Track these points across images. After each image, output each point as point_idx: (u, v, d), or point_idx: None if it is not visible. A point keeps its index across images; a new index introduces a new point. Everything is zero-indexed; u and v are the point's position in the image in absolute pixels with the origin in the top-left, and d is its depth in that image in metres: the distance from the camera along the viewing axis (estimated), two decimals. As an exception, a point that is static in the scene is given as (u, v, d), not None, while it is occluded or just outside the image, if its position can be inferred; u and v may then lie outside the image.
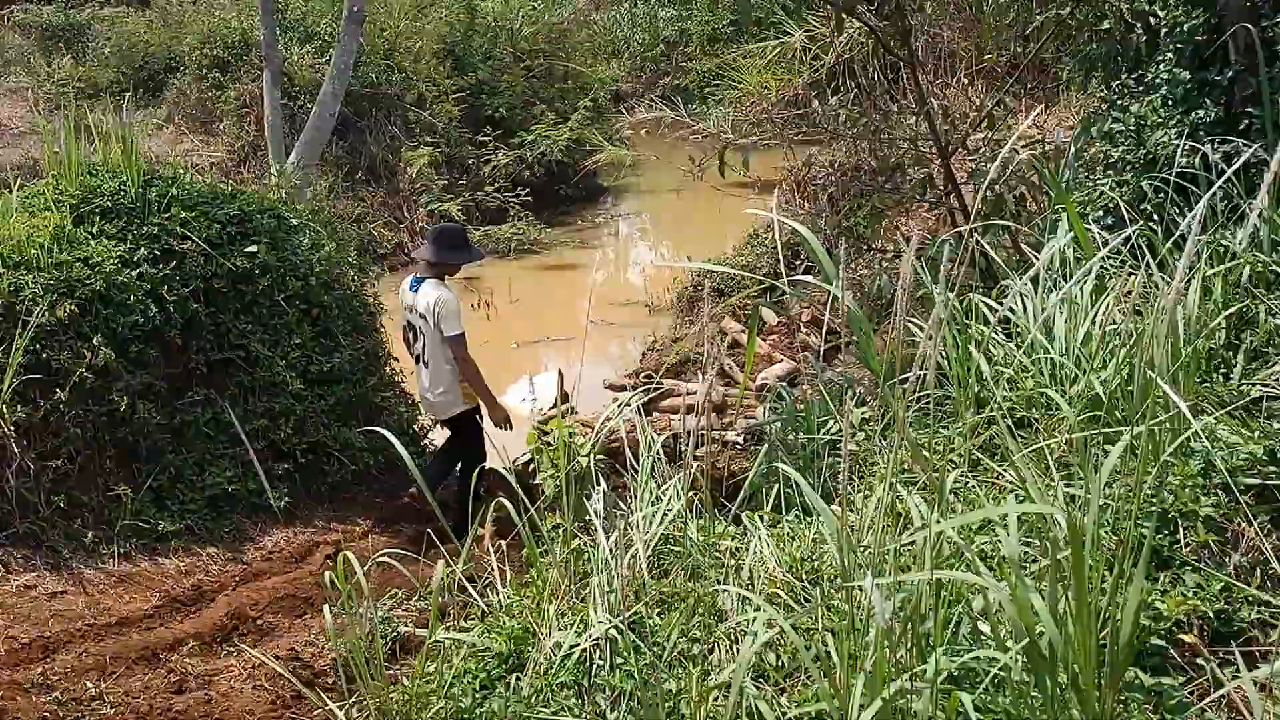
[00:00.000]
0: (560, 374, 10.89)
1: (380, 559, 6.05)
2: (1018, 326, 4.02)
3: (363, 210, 14.81)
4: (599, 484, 3.30)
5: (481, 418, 6.48)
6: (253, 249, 6.42)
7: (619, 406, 9.89)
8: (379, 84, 15.71)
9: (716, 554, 2.99)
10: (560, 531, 3.19)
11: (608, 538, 2.92)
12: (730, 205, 17.47)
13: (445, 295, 6.11)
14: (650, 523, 3.03)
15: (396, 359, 7.82)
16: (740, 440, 8.86)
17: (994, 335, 3.97)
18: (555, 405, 10.34)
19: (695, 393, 9.52)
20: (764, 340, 11.01)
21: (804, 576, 2.75)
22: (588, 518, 3.23)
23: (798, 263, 12.21)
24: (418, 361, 6.42)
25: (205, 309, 6.32)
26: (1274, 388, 3.14)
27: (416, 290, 6.24)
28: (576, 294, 15.14)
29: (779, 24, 16.70)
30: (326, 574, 5.74)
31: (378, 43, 15.98)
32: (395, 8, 16.98)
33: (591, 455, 3.40)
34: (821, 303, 11.32)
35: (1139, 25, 5.41)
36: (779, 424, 5.78)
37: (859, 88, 14.62)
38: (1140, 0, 5.35)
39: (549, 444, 3.47)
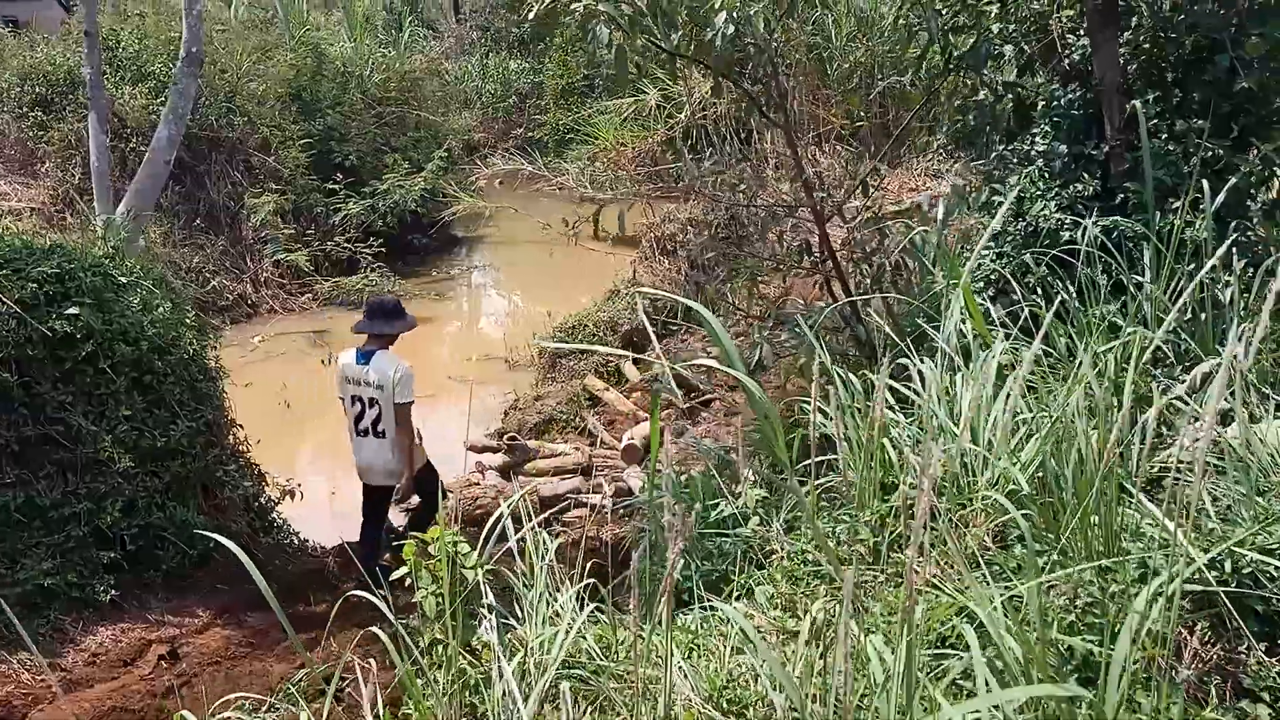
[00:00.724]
0: (419, 434, 10.41)
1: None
2: (917, 407, 3.87)
3: (201, 260, 13.97)
4: (487, 598, 2.93)
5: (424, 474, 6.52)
6: (74, 310, 5.76)
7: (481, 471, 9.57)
8: (220, 127, 14.93)
9: (624, 677, 2.66)
10: (443, 654, 2.80)
11: (502, 665, 2.56)
12: (588, 258, 17.40)
13: (405, 366, 6.11)
14: (548, 647, 2.69)
15: (241, 426, 7.22)
16: (609, 505, 8.55)
17: (896, 417, 3.81)
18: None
19: (563, 453, 9.19)
20: (627, 397, 10.79)
21: (727, 709, 2.45)
22: (474, 639, 2.85)
23: (659, 319, 12.10)
24: (366, 434, 6.20)
25: (17, 379, 5.63)
26: (1179, 469, 3.01)
27: (367, 363, 6.11)
28: (432, 349, 14.65)
29: (634, 82, 16.73)
30: (161, 679, 5.17)
31: (218, 84, 15.20)
32: (238, 49, 16.22)
33: (479, 569, 3.00)
34: (684, 361, 11.17)
35: (1009, 95, 5.47)
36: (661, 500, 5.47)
37: (713, 147, 14.71)
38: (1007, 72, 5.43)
39: (429, 555, 3.04)
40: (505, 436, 9.43)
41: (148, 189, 10.04)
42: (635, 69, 16.81)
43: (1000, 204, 4.67)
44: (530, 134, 21.32)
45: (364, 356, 6.13)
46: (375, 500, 6.55)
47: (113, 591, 5.62)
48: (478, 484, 9.04)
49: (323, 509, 8.26)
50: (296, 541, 7.49)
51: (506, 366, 12.56)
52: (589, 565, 3.44)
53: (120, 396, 5.95)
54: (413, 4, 27.04)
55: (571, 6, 5.02)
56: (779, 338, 6.44)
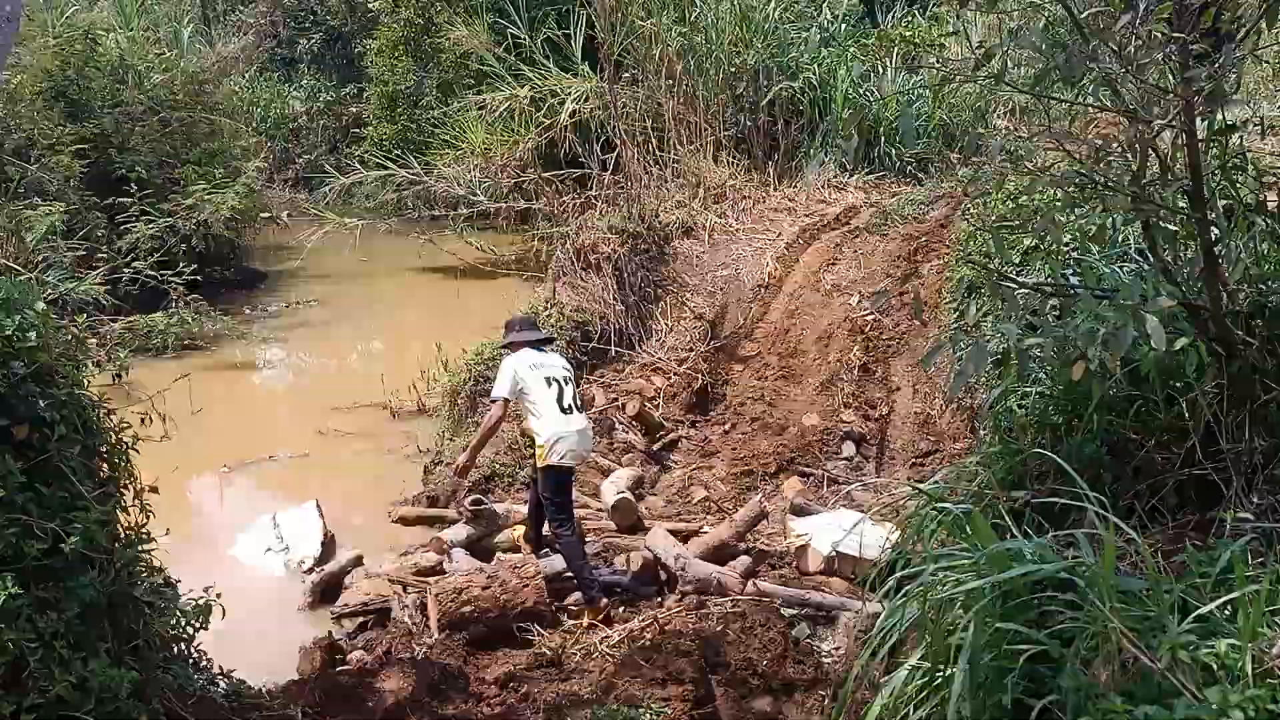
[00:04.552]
0: (319, 507, 7.74)
1: None
2: None
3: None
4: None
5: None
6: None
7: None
8: (-39, 126, 11.45)
9: None
10: None
11: None
12: (437, 288, 14.94)
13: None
14: None
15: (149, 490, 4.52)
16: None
17: None
18: (319, 555, 7.24)
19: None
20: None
21: None
22: None
23: (588, 344, 9.96)
24: (571, 411, 6.38)
25: None
26: None
27: (544, 351, 6.74)
28: (290, 399, 11.69)
29: (500, 77, 14.54)
30: None
31: (-43, 72, 11.69)
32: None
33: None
34: (644, 394, 9.11)
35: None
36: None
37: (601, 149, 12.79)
38: None
39: None
40: (468, 500, 6.98)
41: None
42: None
43: None
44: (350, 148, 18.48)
45: (539, 347, 6.68)
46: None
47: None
48: (442, 569, 6.56)
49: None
50: (228, 685, 4.84)
51: (389, 416, 9.97)
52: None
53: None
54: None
55: None
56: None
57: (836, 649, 5.61)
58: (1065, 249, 5.12)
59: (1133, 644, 2.61)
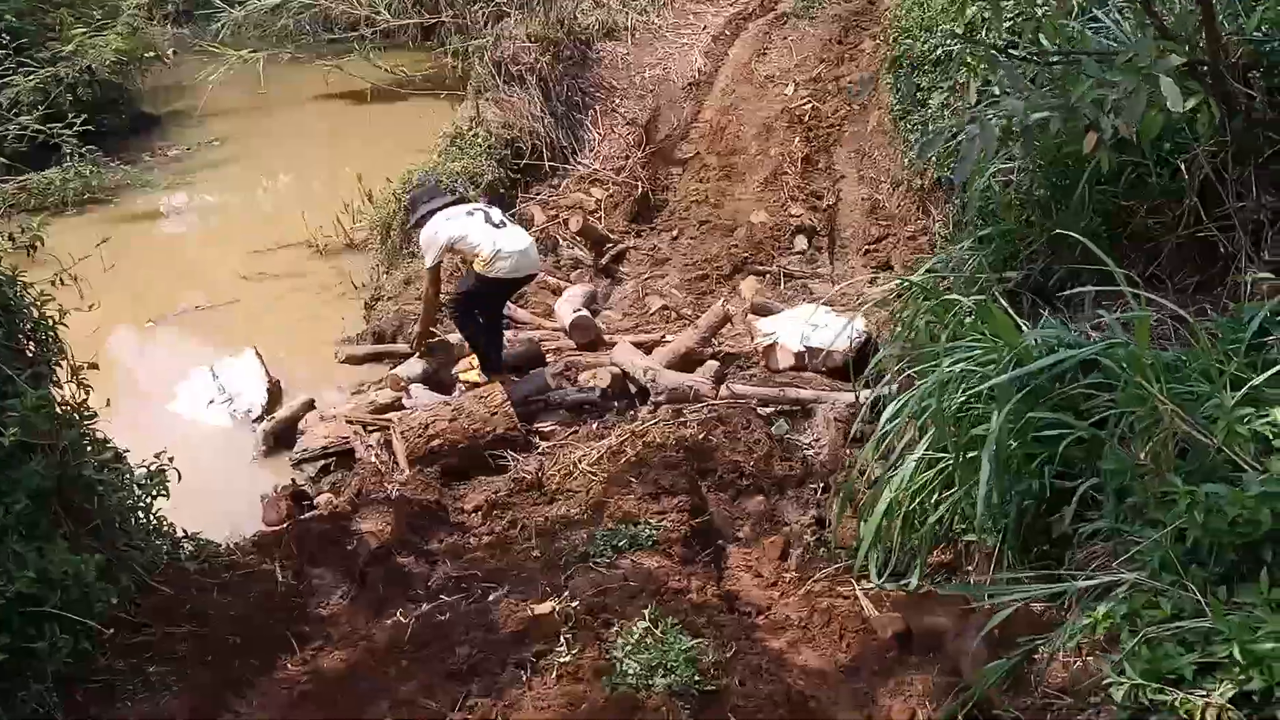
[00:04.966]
0: (258, 353, 7.35)
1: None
2: None
3: None
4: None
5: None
6: None
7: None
8: None
9: None
10: None
11: None
12: (346, 116, 14.01)
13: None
14: None
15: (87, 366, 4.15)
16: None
17: None
18: (265, 402, 6.91)
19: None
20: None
21: None
22: None
23: (520, 162, 9.45)
24: (504, 225, 6.28)
25: None
26: None
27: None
28: (191, 248, 11.03)
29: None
30: None
31: None
32: None
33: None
34: (585, 208, 8.74)
35: None
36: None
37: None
38: None
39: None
40: (414, 337, 6.66)
41: None
42: None
43: None
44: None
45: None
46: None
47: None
48: (401, 406, 6.31)
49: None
50: (195, 547, 4.59)
51: (316, 253, 9.46)
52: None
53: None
54: None
55: None
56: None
57: (816, 440, 5.54)
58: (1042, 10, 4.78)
59: (1185, 420, 2.46)
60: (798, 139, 9.23)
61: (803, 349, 6.15)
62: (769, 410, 5.72)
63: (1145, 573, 2.42)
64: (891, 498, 3.58)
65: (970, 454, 3.17)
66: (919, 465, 3.55)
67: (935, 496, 3.58)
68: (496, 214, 6.38)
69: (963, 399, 3.32)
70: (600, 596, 3.67)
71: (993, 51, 3.51)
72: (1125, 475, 2.64)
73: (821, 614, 3.55)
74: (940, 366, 3.21)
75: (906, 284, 4.10)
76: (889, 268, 7.65)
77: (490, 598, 3.88)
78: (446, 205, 6.38)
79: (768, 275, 7.65)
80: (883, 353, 4.10)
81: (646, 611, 3.42)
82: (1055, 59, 3.48)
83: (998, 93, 4.01)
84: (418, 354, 6.64)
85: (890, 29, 9.02)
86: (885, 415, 3.68)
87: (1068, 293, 3.86)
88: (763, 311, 6.98)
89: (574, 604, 3.56)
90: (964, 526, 3.28)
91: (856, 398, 5.69)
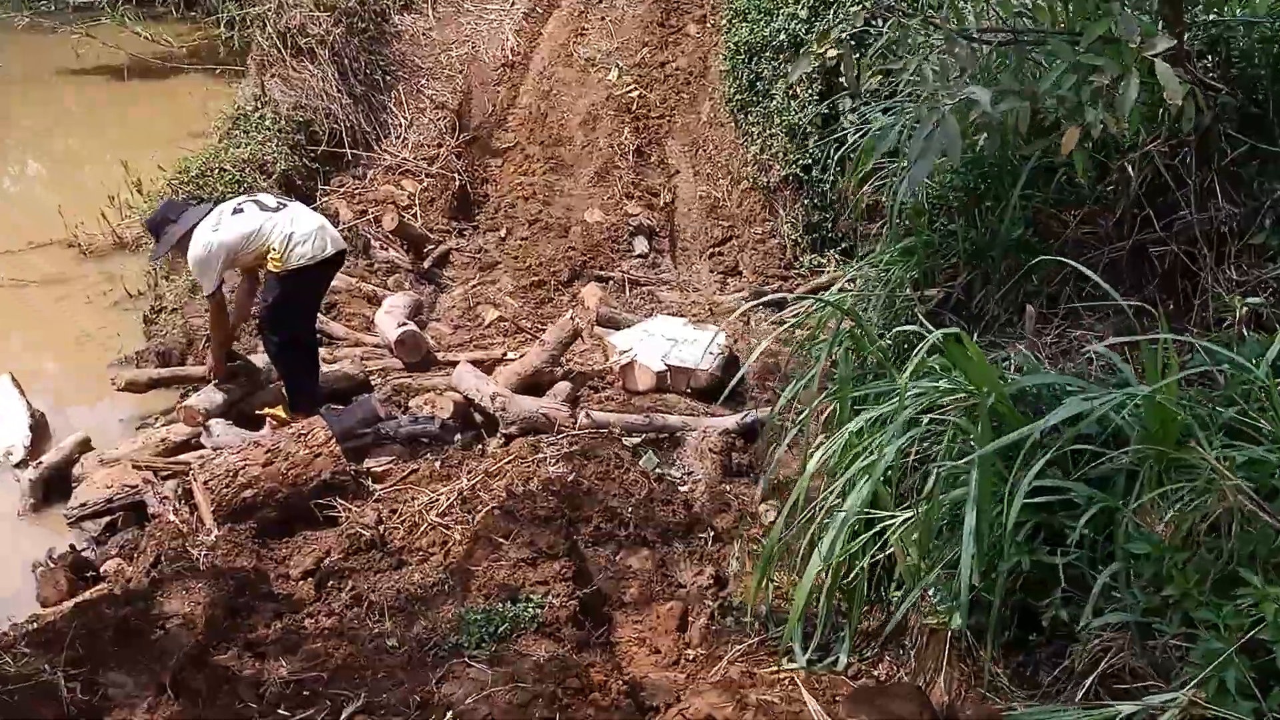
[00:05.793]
0: (14, 380, 6.13)
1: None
2: None
3: None
4: None
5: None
6: None
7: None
8: None
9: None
10: None
11: None
12: (102, 94, 12.32)
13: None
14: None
15: None
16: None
17: None
18: (29, 442, 5.76)
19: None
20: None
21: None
22: None
23: (317, 149, 8.46)
24: (280, 207, 5.30)
25: None
26: None
27: None
28: None
29: None
30: None
31: None
32: None
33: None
34: (398, 203, 7.91)
35: None
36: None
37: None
38: None
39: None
40: (151, 353, 5.72)
41: None
42: None
43: None
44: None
45: None
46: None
47: None
48: (198, 444, 5.37)
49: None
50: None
51: (79, 255, 8.18)
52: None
53: None
54: None
55: None
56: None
57: (689, 474, 5.03)
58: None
59: (1251, 499, 2.07)
60: (627, 129, 8.69)
61: (665, 368, 5.63)
62: (635, 440, 5.16)
63: (1206, 692, 2.01)
64: (822, 565, 3.10)
65: (929, 515, 2.71)
66: (849, 526, 3.07)
67: (867, 559, 3.13)
68: (268, 198, 5.48)
69: (915, 451, 2.88)
70: (486, 707, 3.02)
71: (952, 30, 3.03)
72: (1158, 561, 2.23)
73: (753, 713, 3.03)
74: (897, 410, 2.72)
75: (820, 304, 3.62)
76: (737, 273, 7.25)
77: (343, 714, 3.15)
78: (203, 217, 5.27)
79: (610, 281, 7.08)
80: (790, 387, 3.59)
81: (552, 732, 2.80)
82: (1027, 37, 3.03)
83: (917, 80, 3.55)
84: (214, 384, 5.67)
85: (723, 11, 8.59)
86: (810, 464, 3.18)
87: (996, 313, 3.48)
88: (610, 324, 6.41)
89: (457, 725, 2.89)
90: (928, 609, 2.83)
91: (738, 424, 5.24)
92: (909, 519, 2.81)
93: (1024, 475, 2.42)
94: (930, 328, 3.12)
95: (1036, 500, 2.51)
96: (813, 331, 3.76)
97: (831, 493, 3.13)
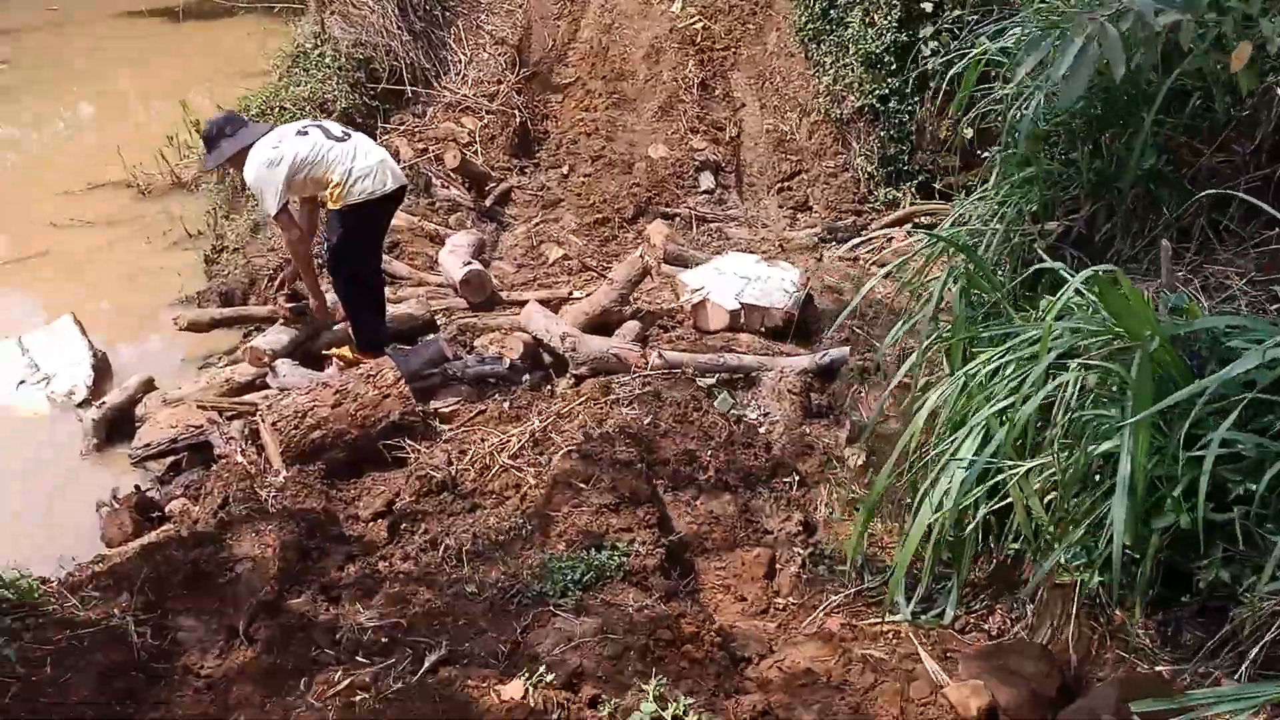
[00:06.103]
0: (76, 320, 6.06)
1: None
2: None
3: None
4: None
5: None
6: None
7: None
8: None
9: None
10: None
11: None
12: (159, 35, 12.23)
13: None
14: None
15: None
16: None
17: None
18: (91, 382, 5.69)
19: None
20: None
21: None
22: None
23: (377, 86, 8.26)
24: (346, 138, 5.04)
25: None
26: None
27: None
28: (8, 188, 9.32)
29: None
30: None
31: None
32: None
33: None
34: (458, 140, 7.70)
35: None
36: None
37: None
38: None
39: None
40: (280, 296, 5.58)
41: None
42: None
43: None
44: None
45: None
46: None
47: None
48: (264, 385, 5.26)
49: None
50: (11, 596, 3.54)
51: (139, 195, 8.10)
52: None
53: None
54: None
55: None
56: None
57: (766, 416, 4.82)
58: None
59: None
60: (691, 62, 8.38)
61: (738, 306, 5.40)
62: (709, 381, 4.95)
63: None
64: (934, 518, 2.88)
65: (1074, 467, 2.48)
66: (968, 477, 2.85)
67: (984, 510, 2.91)
68: (334, 125, 5.19)
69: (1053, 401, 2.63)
70: (576, 658, 2.87)
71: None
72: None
73: (859, 667, 2.84)
74: (1039, 354, 2.47)
75: (934, 240, 3.36)
76: (807, 208, 6.96)
77: (426, 662, 3.01)
78: (265, 134, 5.00)
79: (676, 218, 6.84)
80: (896, 326, 3.35)
81: (649, 686, 2.64)
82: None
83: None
84: (281, 319, 5.54)
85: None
86: (922, 410, 2.95)
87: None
88: (677, 261, 6.19)
89: (548, 676, 2.74)
90: (1080, 565, 2.58)
91: (815, 363, 5.02)
92: (1038, 469, 2.58)
93: (1181, 427, 2.18)
94: (1062, 266, 2.86)
95: (1197, 453, 2.27)
96: (918, 272, 3.51)
97: (948, 440, 2.91)
